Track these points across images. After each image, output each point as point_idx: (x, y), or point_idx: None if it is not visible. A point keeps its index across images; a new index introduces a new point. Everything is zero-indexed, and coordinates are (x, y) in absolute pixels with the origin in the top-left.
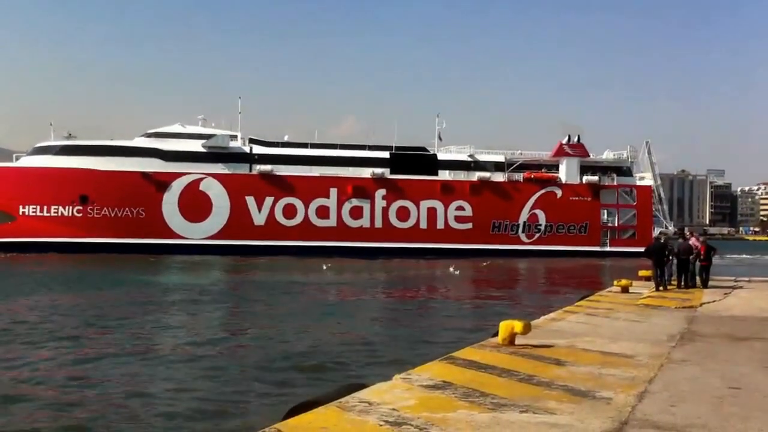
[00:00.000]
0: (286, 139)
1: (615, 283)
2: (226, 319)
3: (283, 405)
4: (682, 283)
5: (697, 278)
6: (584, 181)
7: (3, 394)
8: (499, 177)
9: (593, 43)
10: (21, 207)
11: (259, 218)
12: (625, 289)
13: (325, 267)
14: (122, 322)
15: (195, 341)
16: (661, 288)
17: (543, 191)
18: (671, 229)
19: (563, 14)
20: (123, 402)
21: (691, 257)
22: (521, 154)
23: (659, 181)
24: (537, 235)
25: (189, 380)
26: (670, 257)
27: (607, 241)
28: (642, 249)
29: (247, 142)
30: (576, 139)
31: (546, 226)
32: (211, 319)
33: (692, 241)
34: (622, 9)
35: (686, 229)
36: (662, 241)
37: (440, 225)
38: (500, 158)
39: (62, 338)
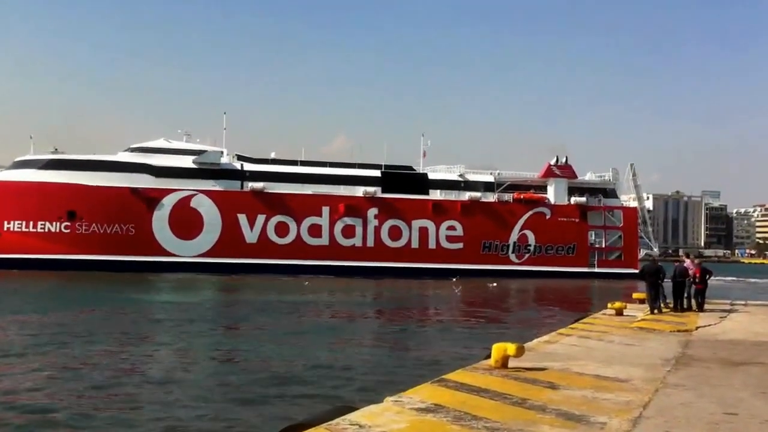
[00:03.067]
0: (273, 156)
1: (609, 305)
2: (215, 340)
3: (272, 428)
4: (678, 306)
5: (693, 301)
6: (572, 203)
7: None
8: (489, 197)
9: (580, 63)
10: (5, 223)
11: (251, 236)
12: (619, 312)
13: (306, 283)
14: (108, 342)
15: (183, 362)
16: (655, 311)
17: (532, 212)
18: (656, 251)
19: (550, 33)
20: (107, 427)
21: (687, 280)
22: (501, 174)
23: (644, 203)
24: (527, 255)
25: (176, 402)
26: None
27: (595, 262)
28: (628, 270)
29: (234, 158)
30: (564, 161)
31: (535, 247)
32: (200, 339)
33: (687, 263)
34: (609, 28)
35: (681, 251)
36: (657, 263)
37: (432, 245)
38: (490, 178)
39: (42, 357)
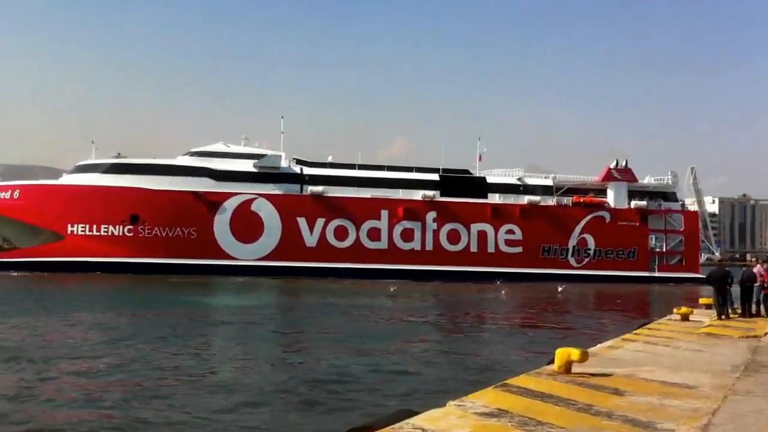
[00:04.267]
0: (330, 160)
1: (675, 310)
2: (276, 343)
3: (335, 430)
4: (746, 312)
5: (761, 307)
6: (632, 206)
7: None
8: (548, 201)
9: (642, 65)
10: (69, 226)
11: (310, 240)
12: (685, 317)
13: (392, 289)
14: (172, 345)
15: (244, 365)
16: (723, 317)
17: (592, 216)
18: (718, 255)
19: (608, 36)
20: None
21: (755, 285)
22: (560, 177)
23: (705, 207)
24: (586, 259)
25: (237, 406)
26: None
27: (655, 266)
28: (689, 275)
29: (291, 162)
30: (624, 164)
31: (595, 251)
32: (260, 342)
33: (756, 268)
34: (671, 29)
35: (749, 255)
36: (725, 268)
37: (491, 248)
38: (548, 182)
39: (106, 358)
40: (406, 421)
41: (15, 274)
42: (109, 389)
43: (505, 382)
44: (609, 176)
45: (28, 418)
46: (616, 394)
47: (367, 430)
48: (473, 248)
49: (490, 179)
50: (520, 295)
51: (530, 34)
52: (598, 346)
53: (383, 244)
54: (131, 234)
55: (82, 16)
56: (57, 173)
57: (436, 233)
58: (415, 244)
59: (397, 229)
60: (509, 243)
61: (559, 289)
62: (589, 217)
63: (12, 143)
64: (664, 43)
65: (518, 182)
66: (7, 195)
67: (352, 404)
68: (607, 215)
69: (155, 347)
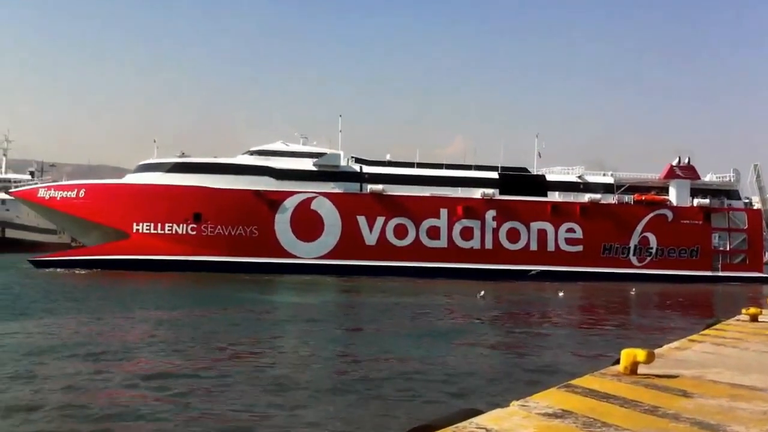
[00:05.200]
0: (388, 158)
1: (743, 311)
2: (337, 340)
3: (397, 429)
4: None
5: None
6: (695, 204)
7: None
8: (609, 199)
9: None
10: (134, 224)
11: (370, 238)
12: (754, 318)
13: (482, 293)
14: (234, 341)
15: (306, 362)
16: None
17: (653, 214)
18: None
19: (664, 34)
20: (229, 427)
21: None
22: (621, 175)
23: None
24: (648, 258)
25: (299, 403)
26: None
27: (719, 265)
28: (753, 274)
29: (350, 160)
30: (686, 161)
31: (657, 250)
32: (322, 340)
33: None
34: (729, 22)
35: None
36: None
37: (551, 247)
38: (609, 180)
39: (173, 354)
40: (470, 420)
41: (82, 272)
42: (172, 383)
43: (569, 382)
44: (671, 174)
45: (93, 407)
46: (683, 396)
47: (429, 428)
48: (533, 247)
49: (549, 177)
50: (580, 294)
51: (591, 25)
52: (665, 347)
53: (443, 242)
54: (194, 232)
55: (143, 17)
56: (123, 173)
57: (495, 232)
58: (475, 243)
59: (457, 228)
60: (569, 242)
61: (632, 291)
62: (651, 215)
63: (80, 144)
64: (727, 34)
65: (578, 180)
66: (73, 194)
67: (413, 402)
68: (669, 213)
69: (217, 343)
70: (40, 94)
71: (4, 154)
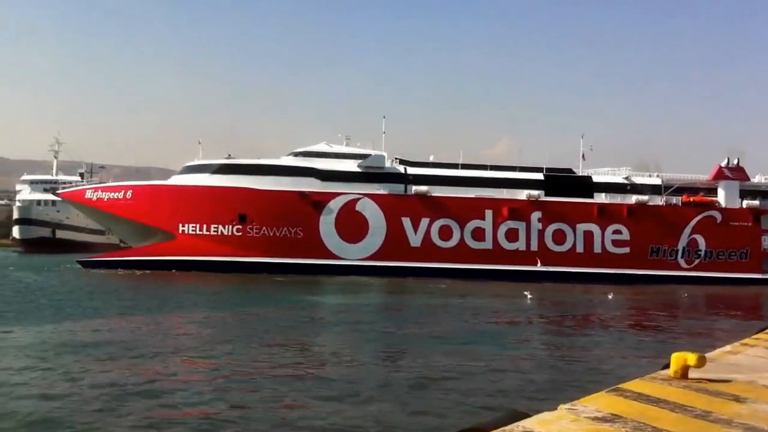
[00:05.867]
0: (431, 159)
1: None
2: (382, 342)
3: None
4: None
5: None
6: (744, 206)
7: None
8: (656, 200)
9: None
10: (180, 225)
11: (415, 240)
12: None
13: (529, 294)
14: (280, 341)
15: (350, 364)
16: None
17: (702, 216)
18: None
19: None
20: (273, 428)
21: None
22: (669, 176)
23: None
24: (696, 260)
25: (342, 405)
26: None
27: None
28: None
29: (394, 162)
30: (735, 162)
31: (706, 252)
32: (367, 341)
33: None
34: None
35: None
36: None
37: (597, 249)
38: (657, 181)
39: (222, 355)
40: (517, 423)
41: (129, 273)
42: (218, 382)
43: (618, 386)
44: (720, 175)
45: (142, 406)
46: (735, 401)
47: (477, 431)
48: (579, 249)
49: (596, 178)
50: (628, 296)
51: (635, 24)
52: (717, 350)
53: (488, 244)
54: (240, 233)
55: (188, 21)
56: (170, 174)
57: (541, 233)
58: (520, 245)
59: (502, 229)
60: (616, 243)
61: (684, 294)
62: (699, 217)
63: (128, 146)
64: None
65: (625, 181)
66: (120, 195)
67: (461, 405)
68: (718, 215)
69: (264, 343)
70: (90, 97)
71: (55, 156)
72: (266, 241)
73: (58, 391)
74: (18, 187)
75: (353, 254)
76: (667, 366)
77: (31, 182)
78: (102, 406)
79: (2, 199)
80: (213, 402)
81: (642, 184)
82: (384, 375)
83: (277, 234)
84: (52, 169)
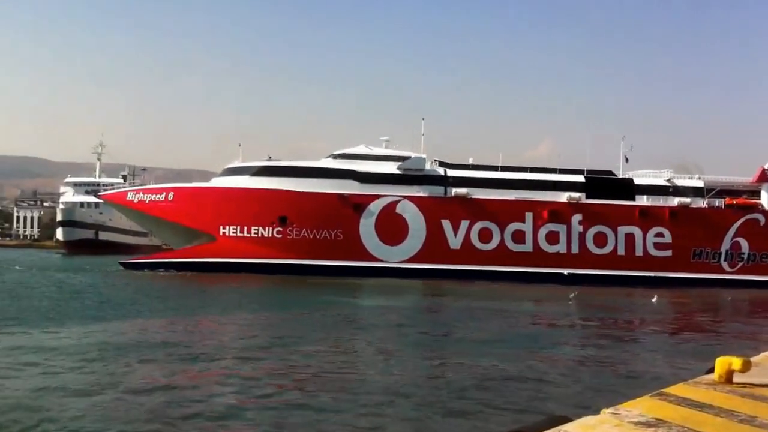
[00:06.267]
0: (471, 161)
1: None
2: (420, 345)
3: None
4: None
5: None
6: None
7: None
8: (698, 203)
9: None
10: (221, 227)
11: (454, 242)
12: None
13: (571, 296)
14: (320, 343)
15: (387, 367)
16: None
17: (745, 218)
18: None
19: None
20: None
21: None
22: (711, 179)
23: None
24: (740, 264)
25: (383, 405)
26: None
27: None
28: None
29: (434, 164)
30: None
31: (749, 255)
32: (405, 345)
33: None
34: None
35: None
36: None
37: (639, 252)
38: (699, 183)
39: (265, 357)
40: (558, 428)
41: (170, 274)
42: (257, 385)
43: (662, 390)
44: (763, 177)
45: (182, 408)
46: None
47: None
48: (620, 251)
49: (637, 180)
50: (672, 299)
51: (673, 26)
52: (761, 355)
53: (528, 246)
54: (280, 235)
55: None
56: (210, 176)
57: (582, 236)
58: (561, 247)
59: (542, 232)
60: (658, 246)
61: (729, 297)
62: (742, 219)
63: (170, 148)
64: None
65: (667, 184)
66: (162, 197)
67: (501, 409)
68: (761, 218)
69: (303, 346)
70: (134, 101)
71: (99, 159)
72: (306, 243)
73: (106, 393)
74: (62, 189)
75: (393, 256)
76: (711, 370)
77: (75, 184)
78: (153, 407)
79: (46, 201)
80: (240, 405)
81: (684, 187)
82: (424, 377)
83: (317, 236)
84: (95, 171)
